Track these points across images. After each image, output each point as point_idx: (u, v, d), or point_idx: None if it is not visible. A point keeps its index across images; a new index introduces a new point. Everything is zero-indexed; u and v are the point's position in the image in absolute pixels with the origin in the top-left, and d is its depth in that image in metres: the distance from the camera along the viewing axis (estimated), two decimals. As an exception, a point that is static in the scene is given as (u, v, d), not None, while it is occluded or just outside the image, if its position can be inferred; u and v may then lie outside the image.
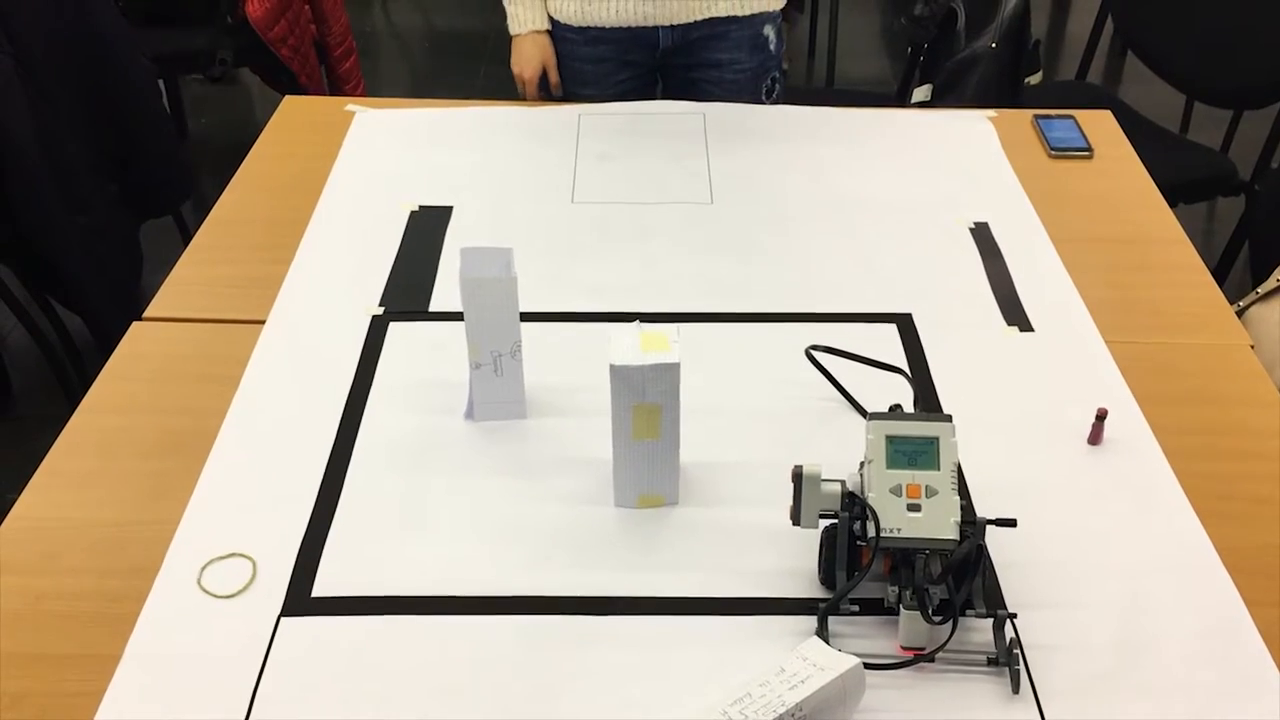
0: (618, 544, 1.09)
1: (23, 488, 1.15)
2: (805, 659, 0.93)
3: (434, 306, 1.39)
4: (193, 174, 2.54)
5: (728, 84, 1.88)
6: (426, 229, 1.53)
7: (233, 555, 1.07)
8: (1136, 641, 1.00)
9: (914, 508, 0.97)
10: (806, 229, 1.52)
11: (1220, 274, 2.31)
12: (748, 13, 1.84)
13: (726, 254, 1.48)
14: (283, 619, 1.02)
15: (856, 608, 1.01)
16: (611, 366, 1.03)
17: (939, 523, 0.96)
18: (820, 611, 1.00)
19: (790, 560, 1.07)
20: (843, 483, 1.01)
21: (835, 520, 1.01)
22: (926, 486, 0.97)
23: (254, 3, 2.66)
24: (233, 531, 1.10)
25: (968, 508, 1.03)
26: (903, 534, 0.96)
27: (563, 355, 1.31)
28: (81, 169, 2.07)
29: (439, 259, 1.47)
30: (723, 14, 1.82)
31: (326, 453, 1.19)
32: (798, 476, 1.00)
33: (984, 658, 0.97)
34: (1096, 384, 1.27)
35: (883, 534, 0.96)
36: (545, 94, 1.92)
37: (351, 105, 1.81)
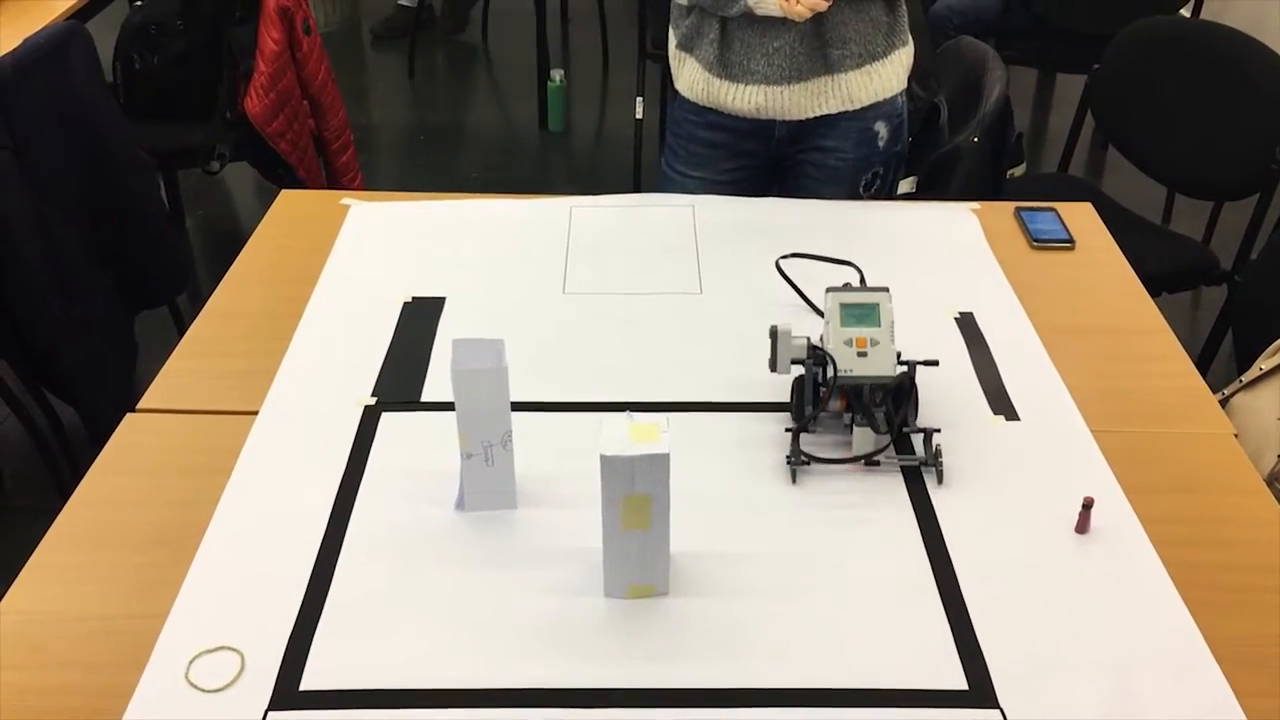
0: (608, 635, 1.09)
1: (12, 580, 1.15)
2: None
3: (426, 397, 1.41)
4: (189, 266, 2.56)
5: (829, 170, 1.92)
6: (419, 320, 1.55)
7: (221, 648, 1.07)
8: (1128, 733, 1.00)
9: (862, 354, 1.27)
10: (795, 319, 1.54)
11: (1205, 361, 2.33)
12: (858, 107, 1.88)
13: (716, 343, 1.50)
14: (270, 713, 1.01)
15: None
16: (601, 457, 1.03)
17: (881, 364, 1.27)
18: (793, 431, 1.30)
19: (784, 648, 1.07)
20: (809, 338, 1.30)
21: (803, 369, 1.31)
22: (871, 339, 1.27)
23: (253, 99, 2.71)
24: (221, 624, 1.09)
25: (899, 353, 1.30)
26: (854, 373, 1.27)
27: (553, 445, 1.32)
28: (78, 261, 2.09)
29: (431, 349, 1.49)
30: (834, 110, 1.87)
31: (317, 544, 1.19)
32: (774, 333, 1.29)
33: (918, 462, 1.28)
34: (1082, 473, 1.29)
35: (840, 374, 1.26)
36: None
37: (346, 199, 1.84)
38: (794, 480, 1.26)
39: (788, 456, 1.28)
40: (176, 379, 1.45)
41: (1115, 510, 1.23)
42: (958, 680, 1.04)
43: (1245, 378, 1.67)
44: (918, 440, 1.31)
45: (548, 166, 3.89)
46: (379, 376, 1.44)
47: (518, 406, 1.35)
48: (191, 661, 1.06)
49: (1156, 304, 1.61)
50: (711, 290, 1.61)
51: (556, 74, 4.02)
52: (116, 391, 2.14)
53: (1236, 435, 1.36)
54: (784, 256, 1.58)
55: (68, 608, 1.12)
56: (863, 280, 1.58)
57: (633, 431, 1.05)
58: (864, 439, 1.27)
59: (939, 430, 1.30)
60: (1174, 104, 2.46)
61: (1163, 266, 2.37)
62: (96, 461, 1.31)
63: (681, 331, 1.52)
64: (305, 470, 1.28)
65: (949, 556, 1.17)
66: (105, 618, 1.11)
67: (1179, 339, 1.53)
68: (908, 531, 1.21)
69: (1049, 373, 1.45)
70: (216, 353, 1.49)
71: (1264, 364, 1.65)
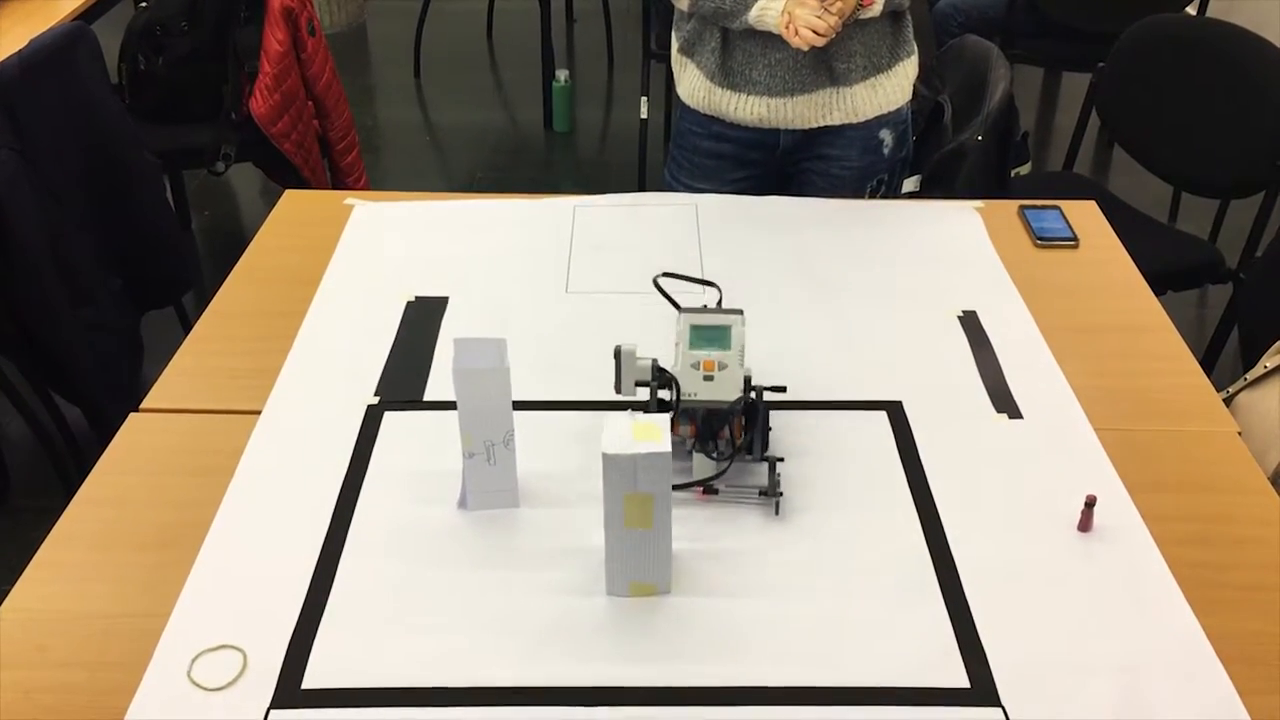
0: (610, 634, 1.09)
1: (18, 579, 1.15)
2: None
3: (429, 396, 1.41)
4: (195, 266, 2.57)
5: (832, 178, 1.91)
6: (422, 319, 1.55)
7: (223, 647, 1.07)
8: (1130, 731, 0.99)
9: (709, 378, 1.24)
10: (797, 318, 1.54)
11: (1210, 360, 2.33)
12: (862, 119, 1.87)
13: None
14: (272, 712, 1.01)
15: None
16: (604, 455, 1.04)
17: (727, 389, 1.23)
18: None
19: (786, 647, 1.07)
20: (655, 360, 1.25)
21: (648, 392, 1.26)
22: (719, 362, 1.24)
23: (258, 99, 2.72)
24: (224, 623, 1.10)
25: (749, 379, 1.27)
26: (698, 397, 1.23)
27: (556, 444, 1.32)
28: (85, 263, 2.10)
29: (434, 349, 1.49)
30: (838, 122, 1.86)
31: (319, 543, 1.19)
32: (617, 353, 1.24)
33: (757, 490, 1.23)
34: (1086, 471, 1.28)
35: (682, 397, 1.22)
36: None
37: (350, 199, 1.84)
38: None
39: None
40: (180, 378, 1.45)
41: (1118, 509, 1.23)
42: (960, 678, 1.04)
43: (1250, 376, 1.67)
44: (764, 470, 1.25)
45: (553, 167, 3.89)
46: (382, 376, 1.44)
47: (520, 405, 1.35)
48: (194, 660, 1.06)
49: (1161, 302, 1.61)
50: (715, 289, 1.60)
51: (561, 74, 4.03)
52: (122, 391, 2.14)
53: (1241, 434, 1.36)
54: (661, 275, 1.44)
55: (71, 606, 1.12)
56: (720, 302, 1.44)
57: (635, 430, 1.05)
58: (702, 465, 1.22)
59: (782, 459, 1.24)
60: (1180, 102, 2.46)
61: (1168, 264, 2.37)
62: (100, 461, 1.31)
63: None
64: (308, 469, 1.29)
65: (951, 554, 1.17)
66: (108, 616, 1.11)
67: (1184, 337, 1.53)
68: (910, 529, 1.21)
69: (1052, 371, 1.44)
70: (220, 352, 1.50)
71: (1269, 362, 1.65)
